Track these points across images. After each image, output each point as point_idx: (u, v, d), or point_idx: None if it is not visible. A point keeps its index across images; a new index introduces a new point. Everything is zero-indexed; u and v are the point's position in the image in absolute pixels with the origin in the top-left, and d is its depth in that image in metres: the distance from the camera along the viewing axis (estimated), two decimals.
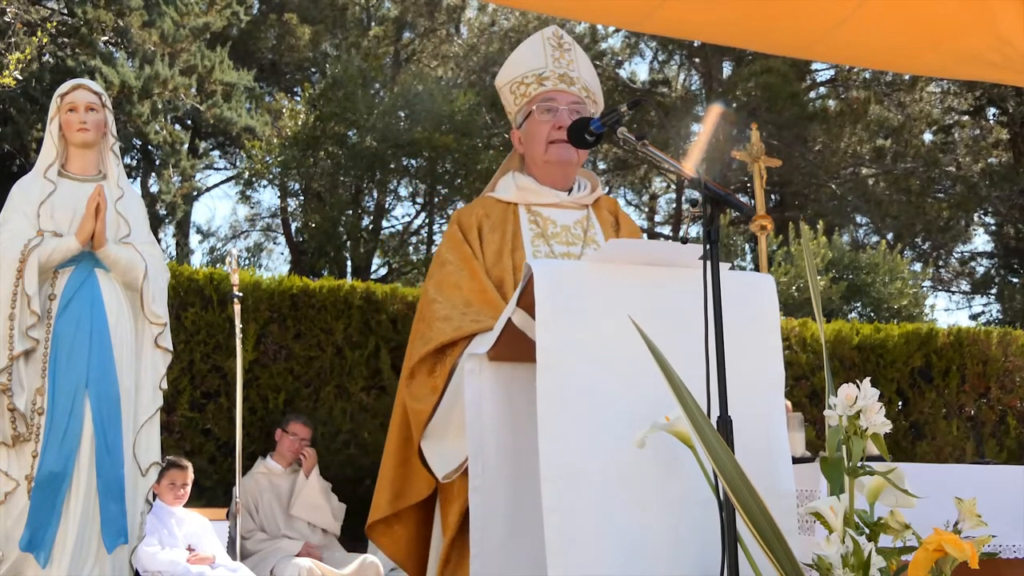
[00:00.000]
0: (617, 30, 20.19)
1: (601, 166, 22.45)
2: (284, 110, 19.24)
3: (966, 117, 21.46)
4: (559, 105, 3.00)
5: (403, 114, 18.75)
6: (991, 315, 21.57)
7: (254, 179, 20.17)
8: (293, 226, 21.13)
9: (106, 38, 16.99)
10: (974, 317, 22.04)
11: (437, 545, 2.83)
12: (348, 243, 19.19)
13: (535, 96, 3.04)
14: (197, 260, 21.31)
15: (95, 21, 16.47)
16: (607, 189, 23.10)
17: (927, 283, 20.01)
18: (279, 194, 21.02)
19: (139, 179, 18.26)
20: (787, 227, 15.10)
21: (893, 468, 2.18)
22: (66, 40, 16.19)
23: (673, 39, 19.52)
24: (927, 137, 21.41)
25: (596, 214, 3.10)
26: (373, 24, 22.20)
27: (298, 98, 19.98)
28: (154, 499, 4.28)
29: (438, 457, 2.67)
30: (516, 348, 2.42)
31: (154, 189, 17.82)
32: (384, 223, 21.07)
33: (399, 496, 2.84)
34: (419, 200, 21.22)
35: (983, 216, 21.45)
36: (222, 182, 22.79)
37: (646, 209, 24.04)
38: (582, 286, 2.33)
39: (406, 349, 2.95)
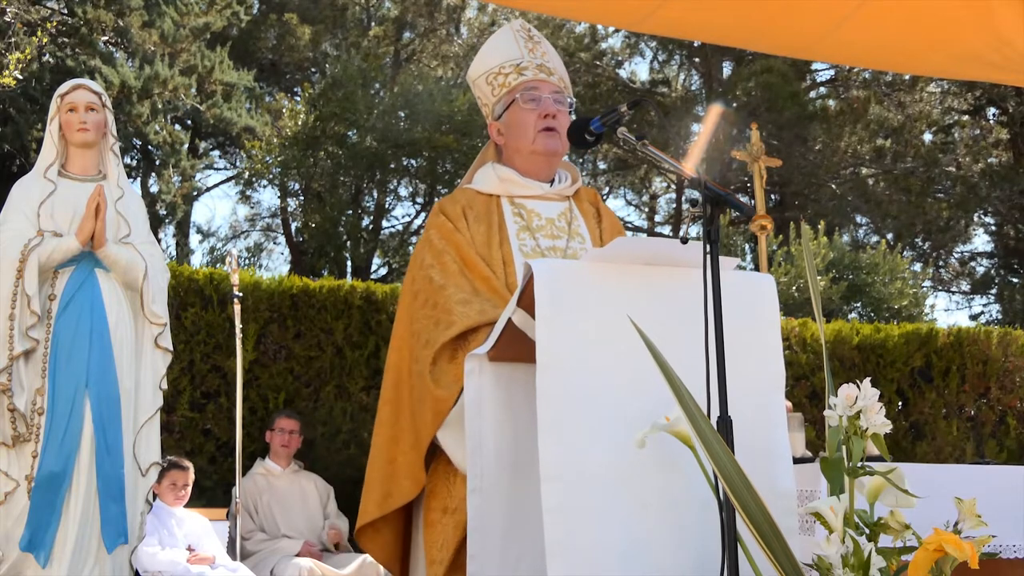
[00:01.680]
0: (617, 30, 20.20)
1: (601, 166, 22.47)
2: (284, 110, 19.26)
3: (966, 117, 21.46)
4: (543, 94, 2.95)
5: (403, 114, 18.76)
6: (991, 315, 21.59)
7: (254, 179, 20.19)
8: (293, 226, 21.13)
9: (106, 38, 16.99)
10: (974, 317, 22.06)
11: (421, 544, 2.77)
12: (348, 243, 19.20)
13: (516, 85, 2.98)
14: (197, 260, 21.33)
15: (95, 21, 16.47)
16: (607, 189, 23.11)
17: (927, 283, 20.02)
18: (279, 194, 21.03)
19: (139, 179, 18.26)
20: (787, 227, 15.10)
21: (893, 468, 2.18)
22: (66, 40, 16.19)
23: (673, 39, 19.52)
24: (927, 137, 21.42)
25: (578, 206, 3.05)
26: (373, 24, 22.20)
27: (298, 98, 19.99)
28: (154, 499, 4.29)
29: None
30: (516, 348, 2.42)
31: (154, 189, 17.82)
32: (384, 223, 21.11)
33: (388, 497, 2.76)
34: (419, 200, 21.23)
35: (983, 216, 21.46)
36: (222, 182, 22.81)
37: (646, 209, 24.05)
38: (582, 286, 2.33)
39: (397, 342, 2.85)
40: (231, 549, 5.22)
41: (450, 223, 2.88)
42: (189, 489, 5.21)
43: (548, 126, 2.92)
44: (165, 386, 4.13)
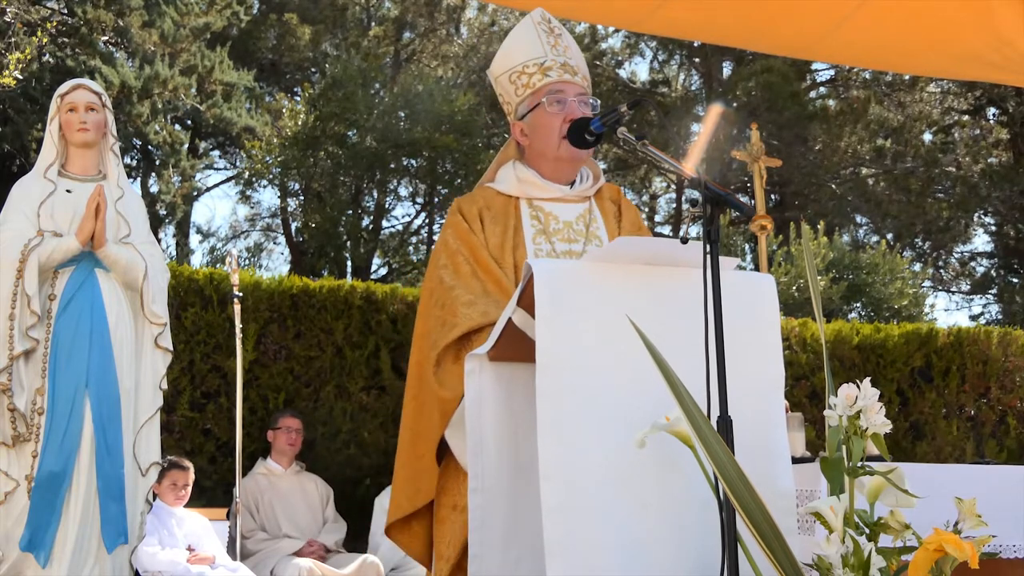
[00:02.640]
0: (617, 30, 20.20)
1: (601, 166, 22.38)
2: (284, 110, 19.26)
3: (966, 117, 21.45)
4: (568, 97, 2.91)
5: (403, 114, 18.76)
6: (991, 315, 21.58)
7: (254, 179, 20.19)
8: (293, 226, 21.13)
9: (106, 38, 16.99)
10: (974, 317, 22.06)
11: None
12: (348, 243, 19.20)
13: (541, 87, 2.93)
14: (197, 260, 21.33)
15: (95, 21, 16.47)
16: None
17: (927, 283, 20.02)
18: (279, 194, 21.03)
19: (139, 179, 18.26)
20: (787, 227, 15.10)
21: (893, 468, 2.18)
22: (66, 40, 16.19)
23: (673, 39, 19.52)
24: (927, 137, 21.42)
25: (598, 205, 3.02)
26: (373, 24, 22.21)
27: (298, 98, 19.99)
28: (154, 499, 4.29)
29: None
30: (516, 348, 2.42)
31: (154, 189, 17.82)
32: (384, 223, 21.11)
33: (419, 492, 2.76)
34: (419, 200, 21.24)
35: (983, 216, 21.46)
36: (222, 182, 22.80)
37: (646, 209, 24.03)
38: (582, 285, 2.33)
39: (416, 340, 2.85)
40: (231, 549, 5.22)
41: (466, 223, 2.86)
42: (189, 489, 5.21)
43: None
44: (165, 386, 4.13)
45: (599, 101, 3.04)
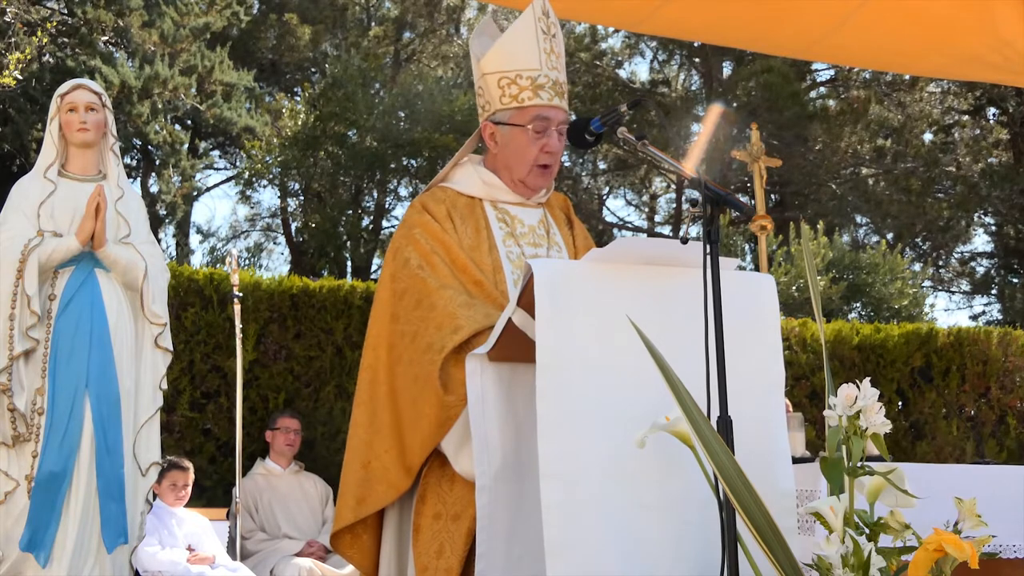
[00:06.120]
0: (617, 30, 20.19)
1: (601, 166, 22.46)
2: (284, 110, 19.26)
3: (966, 117, 21.45)
4: (552, 126, 2.85)
5: (403, 114, 18.77)
6: (991, 315, 21.59)
7: (254, 179, 20.19)
8: (293, 226, 21.14)
9: (106, 38, 16.99)
10: (974, 317, 22.06)
11: (391, 551, 2.75)
12: (348, 243, 19.20)
13: (529, 108, 2.84)
14: (197, 260, 21.31)
15: (95, 21, 16.48)
16: (607, 189, 23.09)
17: (927, 283, 20.02)
18: (279, 194, 21.04)
19: (139, 179, 18.27)
20: (787, 227, 15.09)
21: (893, 468, 2.18)
22: (66, 40, 16.19)
23: (673, 39, 19.51)
24: (927, 137, 21.42)
25: (549, 213, 3.00)
26: (373, 24, 22.21)
27: (298, 98, 20.00)
28: (154, 499, 4.29)
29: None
30: (516, 348, 2.41)
31: (154, 189, 17.83)
32: (384, 223, 21.10)
33: (361, 502, 2.68)
34: None
35: (983, 216, 21.46)
36: (222, 182, 22.79)
37: (646, 209, 24.05)
38: (582, 286, 2.33)
39: (378, 340, 2.73)
40: (231, 549, 5.22)
41: (436, 223, 2.79)
42: (189, 489, 5.21)
43: (546, 163, 2.87)
44: (165, 386, 4.13)
45: (573, 114, 2.98)
